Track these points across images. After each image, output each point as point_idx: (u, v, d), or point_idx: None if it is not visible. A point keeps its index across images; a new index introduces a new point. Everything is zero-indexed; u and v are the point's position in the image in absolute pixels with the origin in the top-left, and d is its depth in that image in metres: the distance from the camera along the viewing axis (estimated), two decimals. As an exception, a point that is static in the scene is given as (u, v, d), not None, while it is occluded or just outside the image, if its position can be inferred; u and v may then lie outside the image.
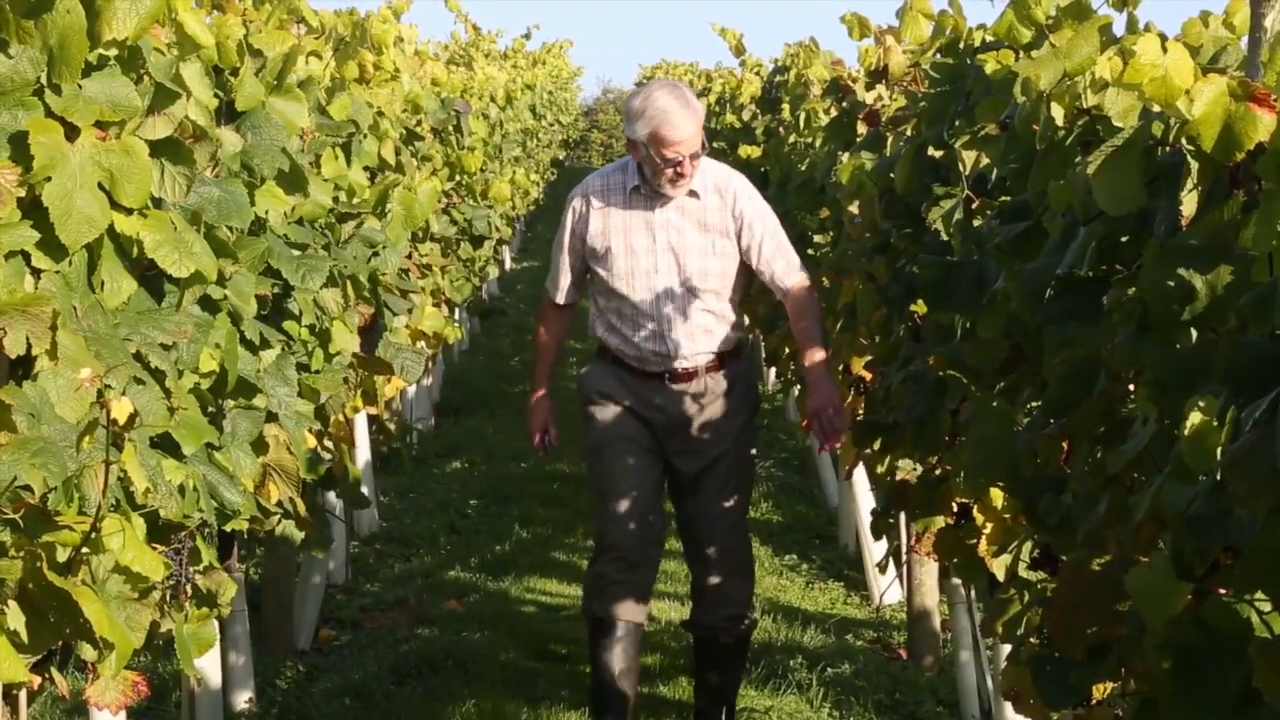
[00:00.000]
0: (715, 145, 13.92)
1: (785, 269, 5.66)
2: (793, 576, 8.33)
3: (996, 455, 3.51)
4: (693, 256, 5.61)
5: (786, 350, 8.54)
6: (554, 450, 6.01)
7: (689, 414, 5.65)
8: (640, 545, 5.63)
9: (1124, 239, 3.11)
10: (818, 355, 5.61)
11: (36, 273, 3.06)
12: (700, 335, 5.62)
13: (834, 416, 5.53)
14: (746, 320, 5.93)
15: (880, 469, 5.48)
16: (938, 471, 4.80)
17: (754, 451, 5.89)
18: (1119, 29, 4.23)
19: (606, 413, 5.72)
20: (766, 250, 5.64)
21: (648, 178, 5.58)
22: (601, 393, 5.73)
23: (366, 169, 6.27)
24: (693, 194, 5.61)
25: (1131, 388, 3.06)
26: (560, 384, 13.27)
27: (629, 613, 5.68)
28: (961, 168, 4.33)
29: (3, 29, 3.01)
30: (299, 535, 5.16)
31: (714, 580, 5.70)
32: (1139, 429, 2.81)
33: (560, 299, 5.90)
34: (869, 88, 6.47)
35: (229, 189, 3.79)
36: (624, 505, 5.62)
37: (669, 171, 5.52)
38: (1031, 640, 3.70)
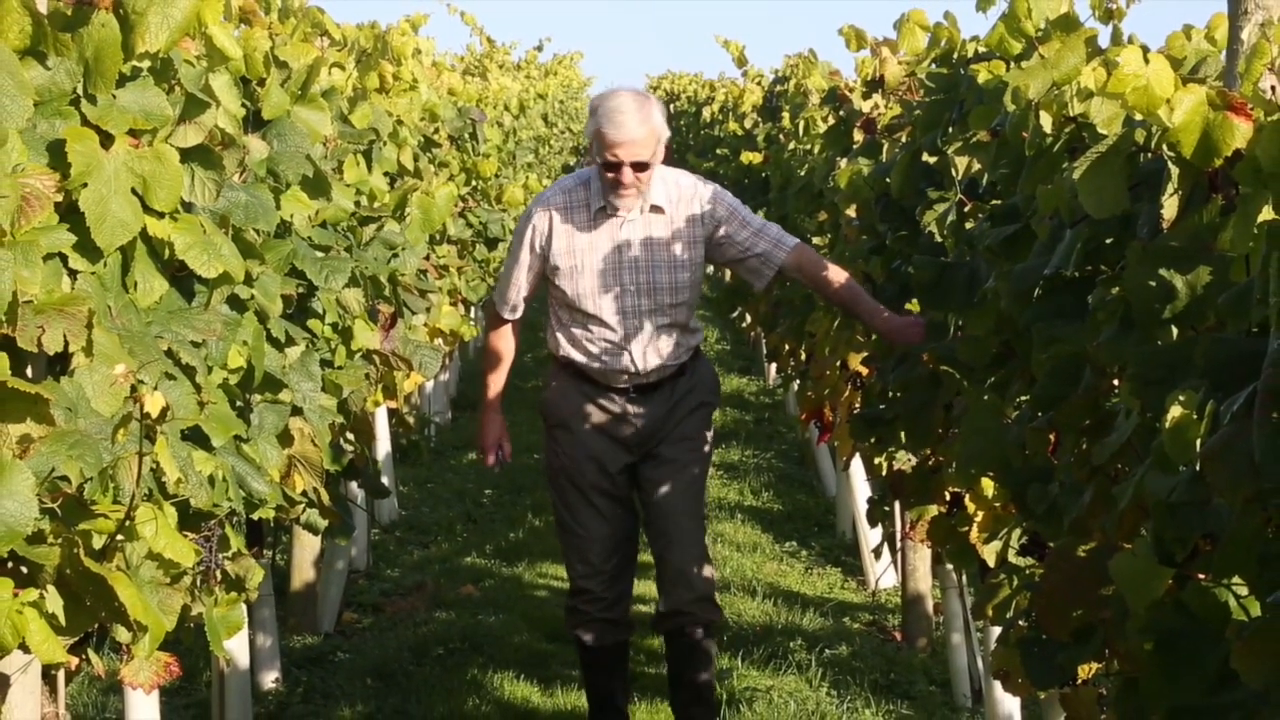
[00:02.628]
0: (719, 152, 13.93)
1: (782, 246, 5.26)
2: (792, 562, 8.33)
3: (987, 447, 3.51)
4: (662, 272, 5.20)
5: (786, 347, 8.55)
6: (506, 465, 5.63)
7: (656, 421, 5.26)
8: (611, 583, 5.31)
9: (1108, 241, 3.11)
10: (873, 303, 5.08)
11: (73, 274, 3.06)
12: (668, 349, 5.24)
13: (913, 329, 4.84)
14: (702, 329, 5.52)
15: (876, 460, 5.48)
16: (931, 462, 4.80)
17: (709, 435, 5.41)
18: (1104, 41, 4.24)
19: (570, 440, 5.31)
20: (753, 228, 5.27)
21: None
22: (565, 416, 5.32)
23: (386, 175, 6.27)
24: (656, 209, 5.19)
25: (1115, 383, 3.06)
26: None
27: (611, 637, 5.38)
28: (954, 173, 4.33)
29: (41, 42, 3.01)
30: (323, 523, 5.17)
31: (674, 565, 5.26)
32: (1122, 422, 2.81)
33: (509, 314, 5.42)
34: (865, 97, 6.46)
35: (256, 194, 3.79)
36: (592, 548, 5.29)
37: (608, 176, 5.09)
38: (1020, 623, 3.71)
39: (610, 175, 5.09)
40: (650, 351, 5.22)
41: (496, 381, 5.53)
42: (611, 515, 5.31)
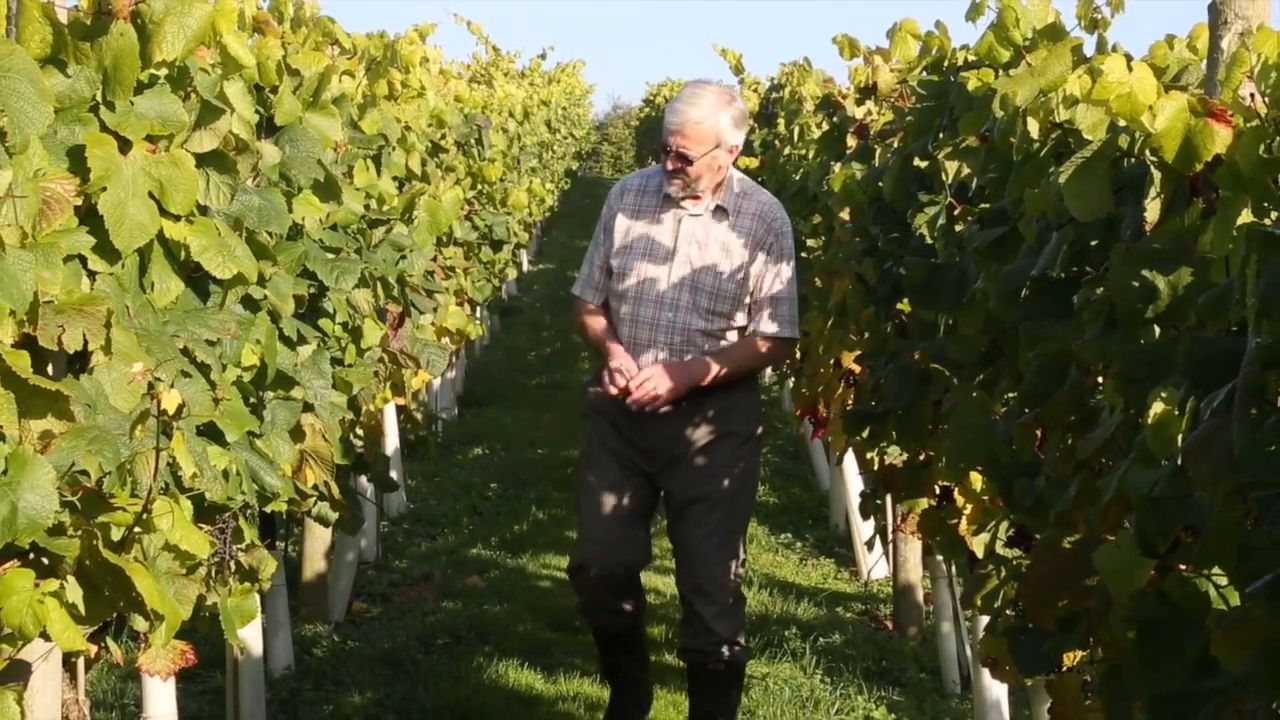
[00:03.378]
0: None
1: (775, 316, 5.07)
2: (787, 554, 8.33)
3: (976, 442, 3.51)
4: (707, 274, 5.03)
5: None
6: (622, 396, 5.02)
7: (669, 436, 5.05)
8: (610, 566, 5.08)
9: (1093, 243, 3.11)
10: (714, 363, 5.00)
11: (92, 275, 3.06)
12: (697, 351, 5.02)
13: (648, 381, 4.93)
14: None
15: (869, 455, 5.49)
16: (922, 457, 4.80)
17: (751, 482, 5.20)
18: (1089, 49, 4.24)
19: (598, 427, 5.15)
20: (772, 289, 5.06)
21: None
22: (594, 406, 5.16)
23: (395, 179, 6.27)
24: (720, 210, 5.04)
25: (1100, 380, 3.07)
26: (576, 378, 13.29)
27: (615, 620, 5.24)
28: (944, 177, 4.33)
29: (61, 51, 3.02)
30: (333, 516, 5.17)
31: (699, 610, 5.07)
32: (1106, 418, 2.81)
33: (594, 299, 5.21)
34: (859, 103, 6.46)
35: (269, 197, 3.79)
36: (596, 528, 5.12)
37: (672, 163, 4.95)
38: (1007, 612, 3.71)
39: (667, 160, 4.98)
40: (682, 345, 5.00)
41: (608, 332, 5.13)
42: (621, 494, 5.08)
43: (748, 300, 5.07)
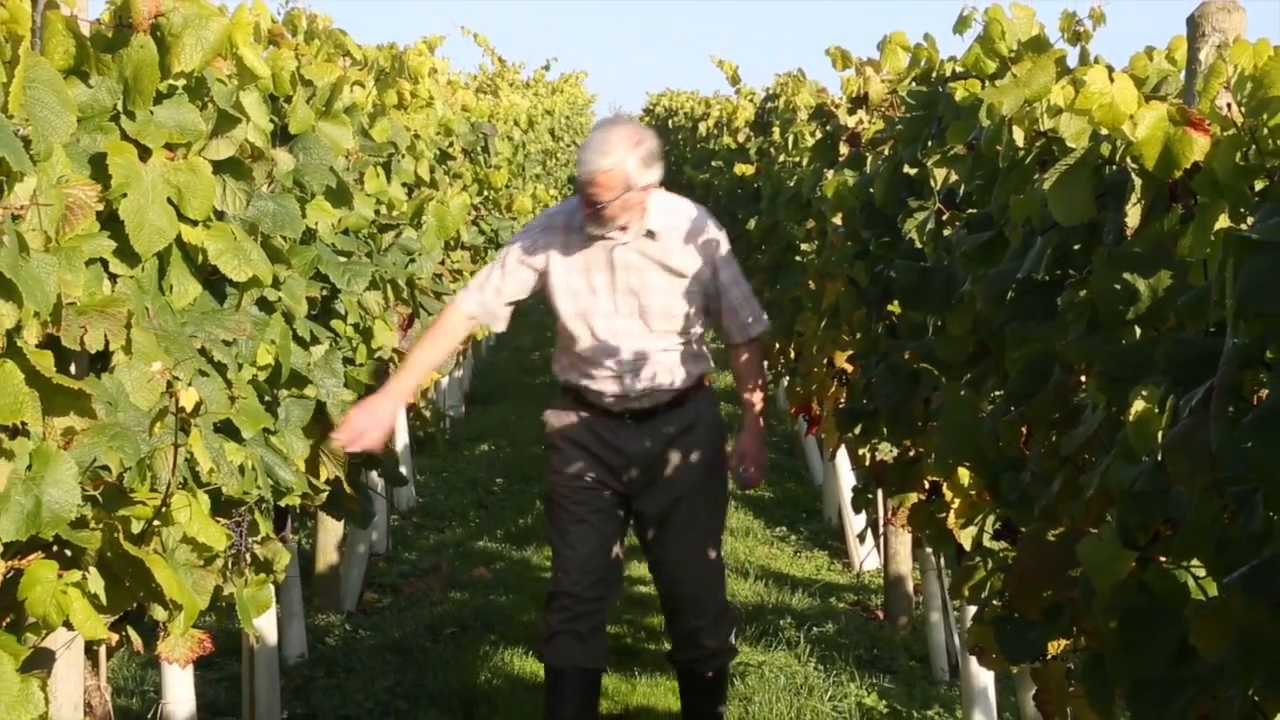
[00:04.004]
0: (714, 164, 13.91)
1: (746, 323, 5.00)
2: (782, 546, 8.33)
3: (964, 439, 3.51)
4: (653, 297, 4.87)
5: (777, 346, 8.54)
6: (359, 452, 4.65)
7: (649, 452, 4.92)
8: (588, 598, 4.91)
9: (1076, 247, 3.11)
10: (759, 422, 5.07)
11: (113, 277, 3.07)
12: (661, 374, 4.90)
13: (753, 470, 5.03)
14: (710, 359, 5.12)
15: (861, 451, 5.48)
16: (912, 453, 4.80)
17: (724, 491, 5.12)
18: (1072, 61, 4.24)
19: (564, 458, 4.97)
20: (733, 298, 4.97)
21: None
22: (561, 435, 4.99)
23: (404, 185, 6.28)
24: (650, 234, 4.85)
25: (1083, 379, 3.07)
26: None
27: (579, 660, 4.95)
28: (933, 183, 4.33)
29: (84, 62, 3.02)
30: (346, 510, 5.17)
31: (683, 625, 4.99)
32: (1089, 415, 2.81)
33: (472, 307, 4.95)
34: (851, 113, 6.46)
35: (283, 203, 3.80)
36: (574, 559, 4.92)
37: (585, 208, 4.79)
38: (994, 602, 3.71)
39: (587, 208, 4.79)
40: (642, 376, 4.89)
41: (413, 375, 4.85)
42: (600, 534, 4.93)
43: (708, 307, 4.95)
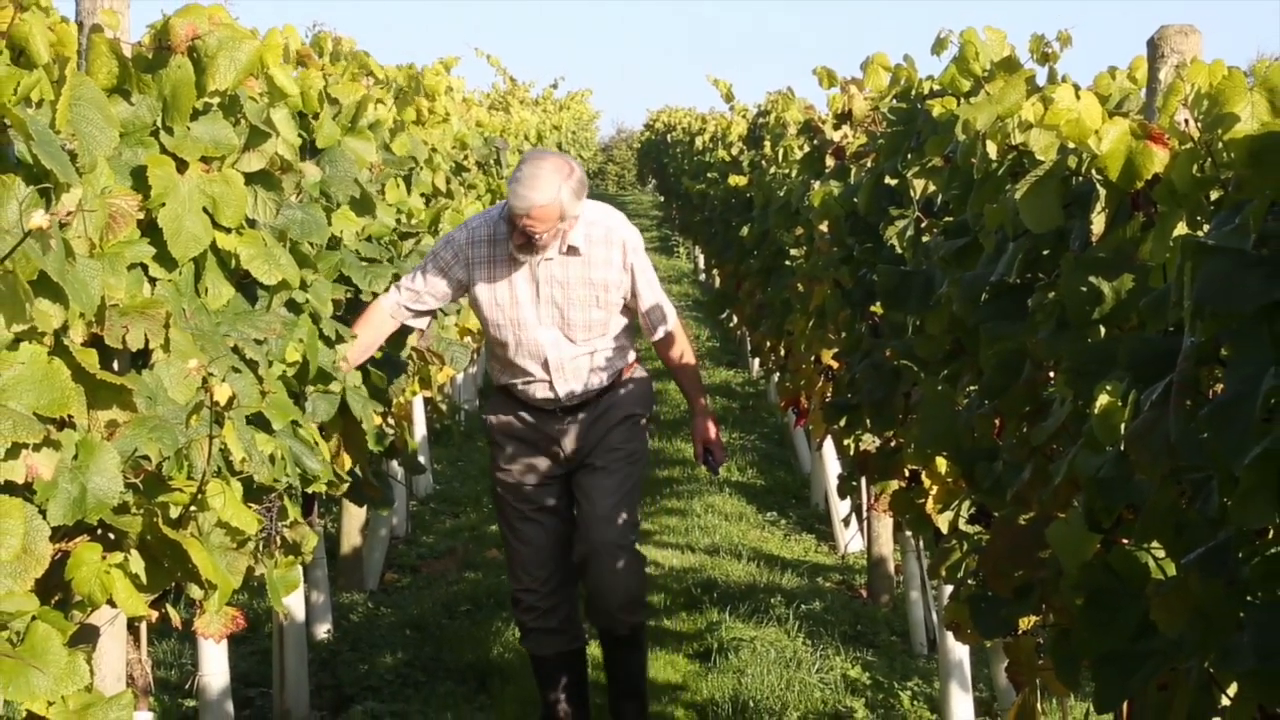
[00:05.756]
0: (709, 175, 13.90)
1: (660, 317, 4.92)
2: (773, 530, 8.33)
3: (941, 430, 3.51)
4: (576, 310, 4.77)
5: (768, 344, 8.55)
6: None
7: (584, 433, 4.85)
8: (548, 595, 4.85)
9: (1045, 252, 3.11)
10: (701, 401, 5.07)
11: (153, 281, 3.07)
12: (586, 377, 4.84)
13: (716, 448, 5.02)
14: (635, 350, 5.02)
15: (845, 441, 5.48)
16: (893, 443, 4.80)
17: (644, 455, 4.97)
18: (1042, 80, 4.24)
19: (507, 455, 4.89)
20: (646, 300, 4.87)
21: None
22: (500, 432, 4.92)
23: (423, 195, 6.28)
24: (573, 250, 4.74)
25: (1051, 375, 3.07)
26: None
27: (557, 646, 4.92)
28: (913, 193, 4.32)
29: (126, 81, 3.02)
30: (368, 496, 5.17)
31: (602, 579, 4.78)
32: (1057, 408, 2.81)
33: (390, 307, 4.77)
34: (836, 128, 6.46)
35: (310, 212, 3.80)
36: (528, 554, 4.86)
37: (515, 235, 4.67)
38: (969, 582, 3.71)
39: (518, 235, 4.68)
40: (570, 379, 4.83)
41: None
42: (549, 528, 4.87)
43: (627, 305, 4.87)
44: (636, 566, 4.85)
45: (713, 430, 5.07)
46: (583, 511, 4.85)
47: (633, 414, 4.91)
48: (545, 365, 4.81)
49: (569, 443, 4.87)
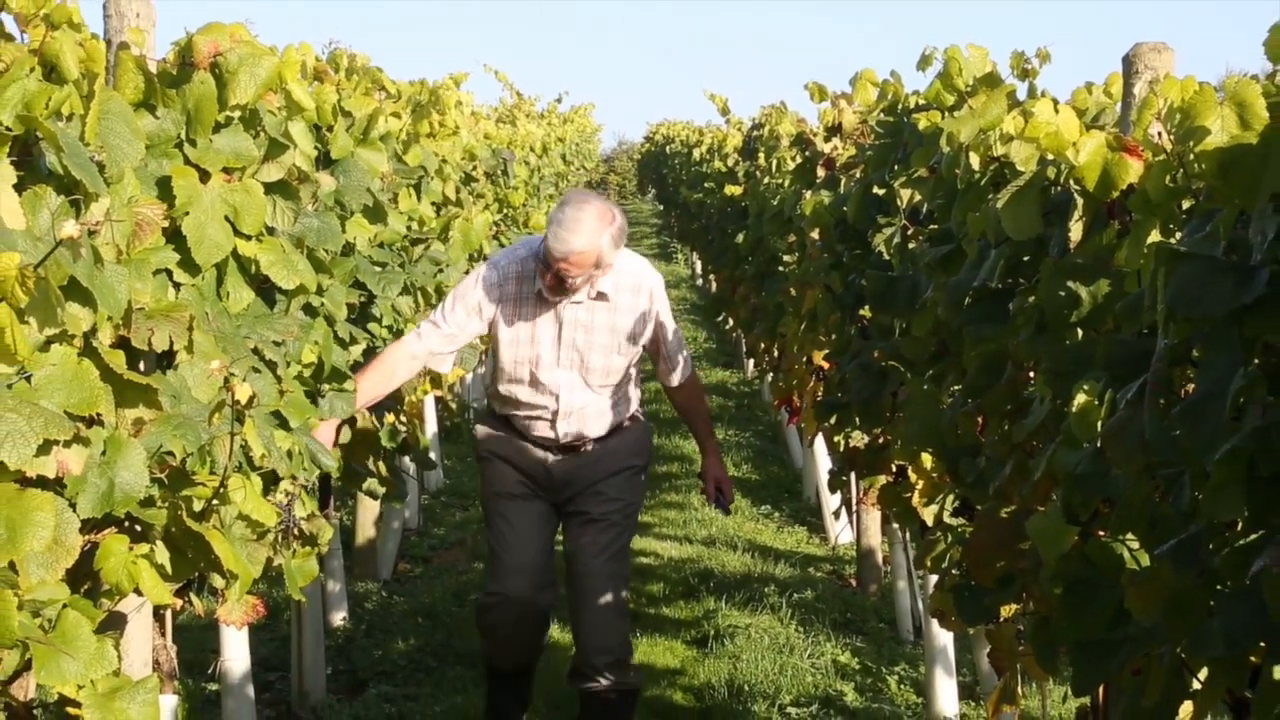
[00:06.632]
0: (706, 185, 13.90)
1: (677, 364, 4.73)
2: (767, 523, 8.33)
3: (927, 427, 3.51)
4: (597, 355, 4.53)
5: (762, 345, 8.55)
6: None
7: (575, 475, 4.62)
8: (524, 600, 4.58)
9: (1026, 258, 3.11)
10: (712, 442, 4.87)
11: (177, 285, 3.07)
12: (591, 422, 4.60)
13: (727, 486, 4.83)
14: (640, 398, 4.81)
15: (836, 438, 5.48)
16: (881, 440, 4.80)
17: (638, 507, 4.76)
18: (1022, 95, 4.25)
19: (497, 469, 4.65)
20: (665, 346, 4.67)
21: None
22: (492, 450, 4.68)
23: (433, 204, 6.27)
24: (602, 296, 4.49)
25: (1031, 375, 3.07)
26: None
27: (516, 659, 4.71)
28: (899, 203, 4.33)
29: (151, 96, 3.02)
30: (381, 490, 5.18)
31: (591, 624, 4.56)
32: (1037, 407, 2.81)
33: (418, 350, 4.53)
34: (826, 140, 6.46)
35: (326, 220, 3.80)
36: (510, 566, 4.59)
37: (548, 276, 4.40)
38: (953, 572, 3.71)
39: (550, 276, 4.42)
40: (575, 422, 4.59)
41: (359, 393, 4.27)
42: (531, 532, 4.62)
43: (657, 356, 4.71)
44: (624, 626, 4.64)
45: (725, 471, 4.90)
46: (576, 565, 4.62)
47: (632, 465, 4.67)
48: (555, 406, 4.57)
49: (558, 475, 4.64)
